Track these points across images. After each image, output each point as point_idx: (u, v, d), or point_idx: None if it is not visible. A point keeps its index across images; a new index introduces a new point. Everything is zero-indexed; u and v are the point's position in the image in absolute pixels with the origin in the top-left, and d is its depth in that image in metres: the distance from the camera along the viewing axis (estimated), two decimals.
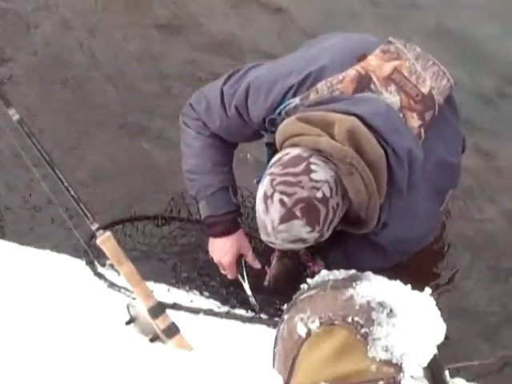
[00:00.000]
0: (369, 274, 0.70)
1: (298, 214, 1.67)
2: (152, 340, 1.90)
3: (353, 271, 0.70)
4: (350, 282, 0.68)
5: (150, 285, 2.10)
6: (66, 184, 1.89)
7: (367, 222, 1.82)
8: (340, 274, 0.70)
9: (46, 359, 1.80)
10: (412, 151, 1.76)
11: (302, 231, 1.70)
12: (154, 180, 2.82)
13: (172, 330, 1.85)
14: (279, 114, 1.90)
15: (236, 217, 2.18)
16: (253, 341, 1.95)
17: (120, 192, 2.77)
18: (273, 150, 1.90)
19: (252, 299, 2.25)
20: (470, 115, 2.81)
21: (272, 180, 1.70)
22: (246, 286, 2.26)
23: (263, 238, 1.79)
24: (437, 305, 2.20)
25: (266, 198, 1.71)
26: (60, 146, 2.88)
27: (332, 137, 1.70)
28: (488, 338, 2.31)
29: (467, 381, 1.89)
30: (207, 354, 1.85)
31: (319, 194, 1.67)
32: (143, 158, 2.94)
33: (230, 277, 2.27)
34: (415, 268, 2.19)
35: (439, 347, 0.67)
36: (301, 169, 1.68)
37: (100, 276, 2.23)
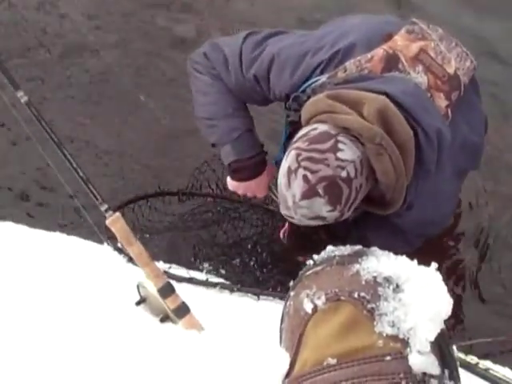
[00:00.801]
0: (375, 249, 0.69)
1: (321, 191, 1.65)
2: (162, 320, 1.90)
3: (359, 246, 0.69)
4: (355, 257, 0.67)
5: (162, 264, 2.11)
6: (74, 165, 1.89)
7: (393, 202, 1.80)
8: (346, 249, 0.69)
9: (58, 342, 1.81)
10: (441, 131, 1.74)
11: (322, 209, 1.68)
12: (171, 156, 2.84)
13: (182, 310, 1.84)
14: (303, 91, 1.89)
15: (263, 157, 2.16)
16: (265, 319, 1.95)
17: (137, 170, 2.80)
18: (295, 128, 1.88)
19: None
20: None
21: (298, 155, 1.67)
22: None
23: (282, 212, 1.78)
24: (452, 283, 2.17)
25: (289, 172, 1.69)
26: (71, 127, 2.91)
27: (361, 116, 1.67)
28: (501, 315, 2.31)
29: (479, 358, 1.90)
30: (218, 334, 1.86)
31: (344, 174, 1.65)
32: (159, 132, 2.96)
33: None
34: (431, 248, 2.18)
35: (447, 322, 0.66)
36: (328, 146, 1.66)
37: (120, 251, 2.23)
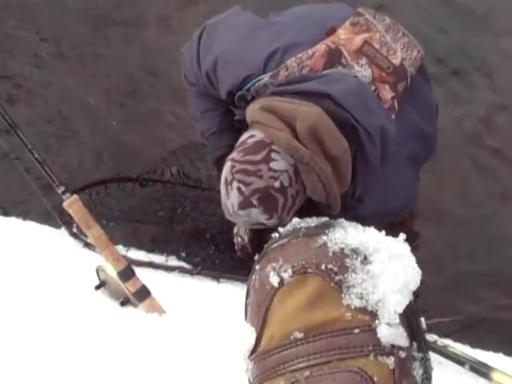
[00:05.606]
0: (342, 220, 0.67)
1: (255, 202, 1.69)
2: (123, 304, 1.88)
3: (325, 218, 0.68)
4: (322, 228, 0.65)
5: (121, 248, 2.09)
6: (29, 147, 1.85)
7: (330, 207, 1.82)
8: (312, 221, 0.67)
9: (19, 326, 1.78)
10: (384, 128, 1.75)
11: (260, 218, 1.73)
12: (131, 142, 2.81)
13: (143, 293, 1.83)
14: (248, 90, 1.88)
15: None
16: (226, 302, 1.95)
17: (95, 155, 2.76)
18: (242, 126, 1.89)
19: None
20: None
21: (232, 167, 1.72)
22: None
23: (227, 217, 1.83)
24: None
25: (226, 183, 1.74)
26: (27, 108, 2.85)
27: (294, 130, 1.68)
28: (459, 295, 2.33)
29: (440, 337, 1.92)
30: (179, 316, 1.85)
31: (277, 184, 1.68)
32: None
33: None
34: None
35: (415, 295, 0.65)
36: (261, 157, 1.69)
37: (75, 236, 2.20)
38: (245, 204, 1.70)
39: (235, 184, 1.70)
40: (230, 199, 1.73)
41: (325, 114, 1.68)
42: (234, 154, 1.74)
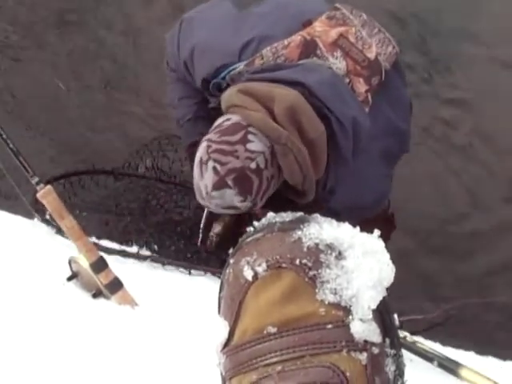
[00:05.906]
0: (317, 216, 0.67)
1: (230, 183, 1.68)
2: (95, 295, 1.87)
3: (300, 213, 0.68)
4: (297, 223, 0.65)
5: (93, 239, 2.07)
6: (4, 136, 1.83)
7: (305, 194, 1.83)
8: (287, 216, 0.67)
9: None
10: (356, 119, 1.77)
11: (234, 200, 1.72)
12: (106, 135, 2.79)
13: (115, 285, 1.82)
14: (223, 78, 1.89)
15: None
16: (197, 294, 1.94)
17: (70, 146, 2.74)
18: (217, 113, 1.89)
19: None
20: None
21: (208, 146, 1.72)
22: None
23: (199, 200, 1.82)
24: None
25: (201, 163, 1.73)
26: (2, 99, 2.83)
27: (272, 112, 1.69)
28: (431, 292, 2.35)
29: (411, 334, 1.93)
30: (152, 308, 1.84)
31: (253, 165, 1.68)
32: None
33: None
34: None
35: (388, 291, 0.66)
36: (237, 138, 1.69)
37: (47, 222, 2.19)
38: (220, 184, 1.70)
39: (211, 163, 1.70)
40: (203, 180, 1.73)
41: (302, 97, 1.69)
42: (211, 135, 1.74)
